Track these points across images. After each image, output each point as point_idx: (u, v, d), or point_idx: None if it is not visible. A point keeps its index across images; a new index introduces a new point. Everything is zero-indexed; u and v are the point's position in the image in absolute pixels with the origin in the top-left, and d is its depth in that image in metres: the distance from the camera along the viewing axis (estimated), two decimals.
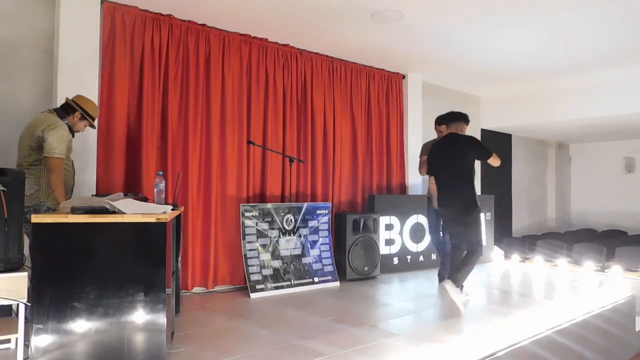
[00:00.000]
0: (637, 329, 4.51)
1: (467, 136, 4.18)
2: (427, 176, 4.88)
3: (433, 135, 7.05)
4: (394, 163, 6.28)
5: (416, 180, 6.50)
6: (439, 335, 3.24)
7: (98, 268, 2.39)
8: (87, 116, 3.37)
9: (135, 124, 4.26)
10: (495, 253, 6.65)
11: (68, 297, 2.33)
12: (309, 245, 4.79)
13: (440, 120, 4.76)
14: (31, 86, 3.84)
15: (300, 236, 4.74)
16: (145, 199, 3.03)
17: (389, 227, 5.58)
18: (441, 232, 4.91)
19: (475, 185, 4.20)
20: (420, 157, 5.23)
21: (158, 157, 4.35)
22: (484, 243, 4.72)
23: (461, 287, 3.80)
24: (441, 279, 4.74)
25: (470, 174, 4.07)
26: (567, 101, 7.07)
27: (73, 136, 3.42)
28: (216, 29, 4.70)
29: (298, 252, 4.70)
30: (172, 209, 2.74)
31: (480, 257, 3.90)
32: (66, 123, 3.31)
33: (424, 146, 5.22)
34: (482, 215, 5.11)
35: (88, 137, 3.86)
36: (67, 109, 3.36)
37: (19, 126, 3.41)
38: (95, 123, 3.68)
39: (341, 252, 5.07)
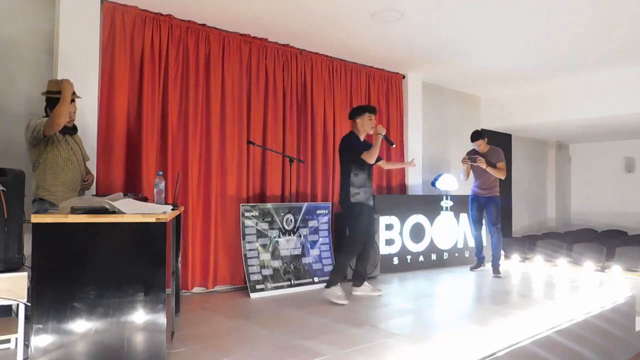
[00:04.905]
0: (637, 329, 4.51)
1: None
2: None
3: (433, 134, 7.10)
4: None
5: (416, 181, 6.50)
6: (439, 335, 3.24)
7: (98, 268, 2.39)
8: (53, 95, 3.28)
9: (135, 124, 4.26)
10: None
11: (68, 297, 2.33)
12: (309, 245, 4.78)
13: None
14: (31, 86, 3.83)
15: (300, 236, 4.74)
16: (145, 199, 3.03)
17: (389, 227, 5.58)
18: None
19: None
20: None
21: (158, 157, 4.34)
22: None
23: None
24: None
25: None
26: (567, 101, 7.06)
27: (73, 131, 3.42)
28: (216, 29, 4.70)
29: (298, 252, 4.70)
30: (172, 209, 2.74)
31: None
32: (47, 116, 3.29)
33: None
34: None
35: (88, 137, 3.85)
36: (45, 109, 3.37)
37: (19, 126, 3.40)
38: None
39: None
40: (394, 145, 4.46)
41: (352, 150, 4.19)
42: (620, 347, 4.23)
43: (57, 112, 3.11)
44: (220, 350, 2.86)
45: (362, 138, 4.30)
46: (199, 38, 4.60)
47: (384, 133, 4.22)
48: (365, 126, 4.27)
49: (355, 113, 4.32)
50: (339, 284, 4.08)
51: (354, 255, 4.25)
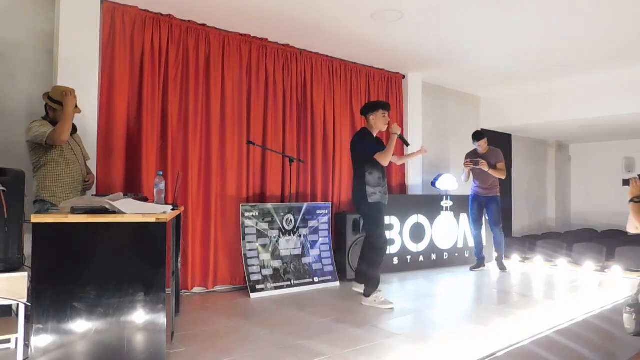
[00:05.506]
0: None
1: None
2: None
3: (433, 134, 7.09)
4: (393, 163, 6.28)
5: (416, 181, 6.50)
6: (439, 335, 3.24)
7: (98, 268, 2.39)
8: (53, 103, 3.29)
9: (135, 124, 4.26)
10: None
11: (68, 297, 2.33)
12: (309, 245, 4.78)
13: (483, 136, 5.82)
14: (31, 86, 3.83)
15: (300, 236, 4.74)
16: (145, 199, 3.03)
17: (388, 227, 5.57)
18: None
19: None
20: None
21: (158, 157, 4.34)
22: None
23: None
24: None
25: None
26: (567, 101, 7.06)
27: (73, 131, 3.39)
28: (216, 29, 4.70)
29: (298, 252, 4.70)
30: (172, 209, 2.74)
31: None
32: (50, 120, 3.29)
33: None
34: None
35: (88, 137, 3.85)
36: (45, 106, 3.36)
37: (19, 126, 3.40)
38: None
39: (341, 252, 5.08)
40: (409, 146, 4.39)
41: (364, 150, 4.05)
42: (620, 347, 4.22)
43: (60, 129, 3.14)
44: (220, 350, 2.86)
45: (375, 134, 4.17)
46: (199, 38, 4.60)
47: (399, 132, 4.05)
48: (379, 123, 4.11)
49: (368, 109, 4.16)
50: (377, 291, 4.01)
51: (382, 257, 4.08)
